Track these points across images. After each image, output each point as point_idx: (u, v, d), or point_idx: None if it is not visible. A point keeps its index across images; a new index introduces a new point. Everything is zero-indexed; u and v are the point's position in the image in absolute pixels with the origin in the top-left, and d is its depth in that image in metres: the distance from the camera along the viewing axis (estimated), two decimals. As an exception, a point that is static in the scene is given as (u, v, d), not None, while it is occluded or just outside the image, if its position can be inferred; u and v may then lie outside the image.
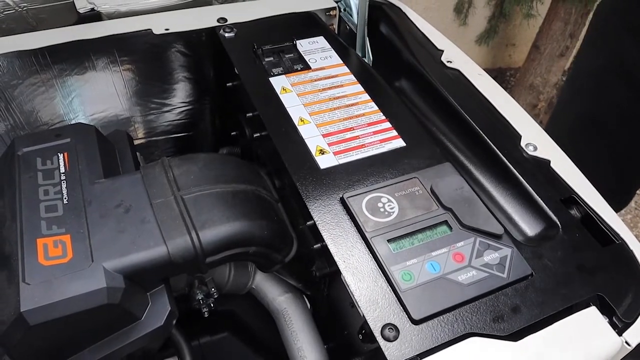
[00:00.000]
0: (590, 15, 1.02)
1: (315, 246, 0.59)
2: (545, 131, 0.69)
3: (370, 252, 0.54)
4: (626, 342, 0.51)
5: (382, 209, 0.58)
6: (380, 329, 0.49)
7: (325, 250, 0.55)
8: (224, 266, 0.71)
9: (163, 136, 0.95)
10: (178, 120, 0.94)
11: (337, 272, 0.53)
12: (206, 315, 0.71)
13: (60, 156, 0.61)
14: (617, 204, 0.95)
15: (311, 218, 0.57)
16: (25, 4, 0.77)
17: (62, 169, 0.60)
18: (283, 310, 0.72)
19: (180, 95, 0.91)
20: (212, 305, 0.70)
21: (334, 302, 0.62)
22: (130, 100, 0.87)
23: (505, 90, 0.74)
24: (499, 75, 2.29)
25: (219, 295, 0.70)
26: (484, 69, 2.27)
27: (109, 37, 0.78)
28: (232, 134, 0.90)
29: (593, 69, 0.93)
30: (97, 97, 0.84)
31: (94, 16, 0.81)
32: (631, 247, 0.58)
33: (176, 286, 0.68)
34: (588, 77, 0.95)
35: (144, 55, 0.82)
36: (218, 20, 0.82)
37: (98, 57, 0.80)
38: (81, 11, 0.79)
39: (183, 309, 0.62)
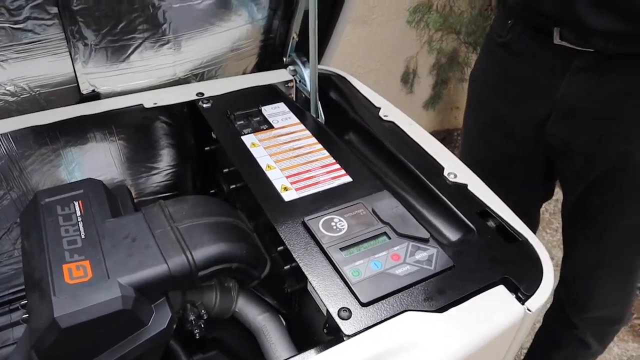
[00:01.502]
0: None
1: (285, 267, 0.74)
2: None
3: (327, 259, 0.70)
4: (527, 309, 0.66)
5: (334, 227, 0.74)
6: (337, 312, 0.64)
7: (294, 269, 0.70)
8: (211, 292, 0.85)
9: (151, 196, 1.10)
10: (164, 182, 1.10)
11: (305, 287, 0.68)
12: (197, 337, 0.83)
13: (76, 203, 0.76)
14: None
15: (282, 242, 0.72)
16: (39, 89, 0.94)
17: (79, 213, 0.75)
18: (262, 327, 0.85)
19: (166, 160, 1.07)
20: (202, 326, 0.83)
21: (304, 314, 0.76)
22: (123, 165, 1.03)
23: (455, 148, 0.93)
24: (448, 135, 2.52)
25: (208, 317, 0.83)
26: (433, 131, 2.52)
27: (107, 113, 0.96)
28: (211, 192, 1.07)
29: (477, 124, 1.15)
30: (95, 164, 1.00)
31: (94, 96, 0.98)
32: (531, 242, 0.75)
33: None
34: (476, 130, 1.16)
35: (136, 127, 0.99)
36: (197, 94, 1.00)
37: (97, 129, 0.97)
38: (84, 92, 0.97)
39: (178, 331, 0.75)
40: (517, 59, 1.01)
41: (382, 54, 2.22)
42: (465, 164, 1.22)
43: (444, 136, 2.60)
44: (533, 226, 1.27)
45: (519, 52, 1.00)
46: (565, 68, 0.91)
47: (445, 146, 0.91)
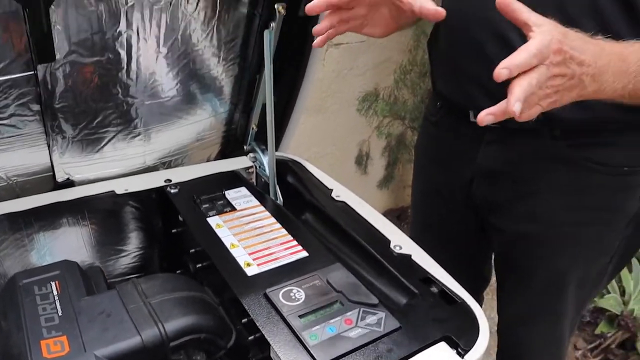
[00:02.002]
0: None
1: (250, 338, 0.81)
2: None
3: (288, 326, 0.77)
4: (466, 363, 0.75)
5: (293, 297, 0.82)
6: (297, 373, 0.71)
7: (258, 339, 0.77)
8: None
9: (120, 277, 1.15)
10: (132, 263, 1.16)
11: (269, 355, 0.75)
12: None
13: (53, 284, 0.82)
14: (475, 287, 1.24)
15: (246, 313, 0.80)
16: (16, 178, 1.01)
17: (55, 292, 0.81)
18: (229, 398, 0.90)
19: (134, 243, 1.14)
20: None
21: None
22: (94, 248, 1.09)
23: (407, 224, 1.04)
24: (402, 213, 2.66)
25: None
26: (388, 209, 2.63)
27: (80, 199, 1.03)
28: (177, 272, 1.14)
29: (420, 190, 1.29)
30: (67, 247, 1.06)
31: (69, 184, 1.06)
32: (469, 304, 0.84)
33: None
34: (419, 195, 1.30)
35: (107, 212, 1.07)
36: (165, 181, 1.09)
37: (70, 215, 1.04)
38: (59, 180, 1.04)
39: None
40: (445, 134, 1.16)
41: (336, 138, 2.38)
42: (414, 224, 1.33)
43: (398, 213, 2.73)
44: (484, 280, 1.37)
45: (446, 128, 1.16)
46: (481, 140, 1.06)
47: (400, 222, 1.02)
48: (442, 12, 0.81)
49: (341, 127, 2.34)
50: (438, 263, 0.93)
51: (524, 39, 0.71)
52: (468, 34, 0.98)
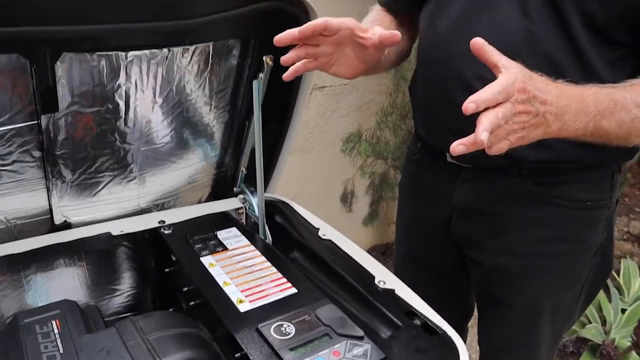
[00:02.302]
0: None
1: (242, 371, 0.85)
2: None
3: (280, 359, 0.82)
4: (448, 391, 0.80)
5: (284, 331, 0.87)
6: (289, 403, 0.75)
7: None
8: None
9: (114, 316, 1.19)
10: (126, 302, 1.19)
11: None
12: None
13: (54, 322, 0.86)
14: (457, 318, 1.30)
15: (240, 347, 0.84)
16: (15, 220, 1.06)
17: (56, 331, 0.85)
18: None
19: (128, 282, 1.18)
20: None
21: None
22: (89, 288, 1.13)
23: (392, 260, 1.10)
24: (387, 249, 2.72)
25: None
26: (374, 246, 2.69)
27: (77, 241, 1.08)
28: (170, 310, 1.18)
29: (403, 223, 1.36)
30: (63, 287, 1.10)
31: (66, 226, 1.10)
32: (449, 334, 0.90)
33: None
34: (402, 228, 1.37)
35: (102, 252, 1.11)
36: (159, 222, 1.14)
37: (67, 256, 1.08)
38: (57, 223, 1.09)
39: None
40: (425, 172, 1.24)
41: (322, 178, 2.45)
42: (399, 258, 1.39)
43: (384, 249, 2.79)
44: (469, 311, 1.42)
45: (426, 167, 1.23)
46: (457, 178, 1.14)
47: (386, 258, 1.08)
48: (397, 34, 0.89)
49: (326, 167, 2.42)
50: (422, 295, 0.98)
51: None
52: (439, 82, 1.07)
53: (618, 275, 2.43)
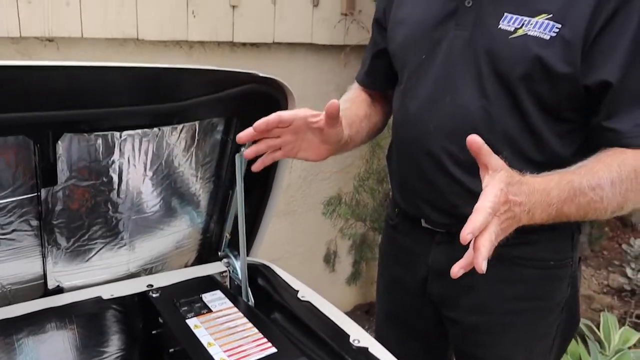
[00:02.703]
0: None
1: None
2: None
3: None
4: None
5: (263, 389, 0.93)
6: None
7: None
8: None
9: (100, 378, 1.24)
10: (114, 364, 1.25)
11: None
12: None
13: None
14: None
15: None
16: (10, 285, 1.12)
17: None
18: None
19: (116, 344, 1.23)
20: None
21: None
22: (79, 350, 1.18)
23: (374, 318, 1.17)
24: (371, 307, 2.76)
25: None
26: (357, 305, 2.75)
27: (69, 305, 1.14)
28: (155, 370, 1.23)
29: (384, 284, 1.44)
30: (53, 350, 1.14)
31: (59, 290, 1.17)
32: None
33: None
34: (383, 288, 1.44)
35: (92, 315, 1.17)
36: (147, 286, 1.21)
37: (58, 319, 1.14)
38: (50, 287, 1.16)
39: None
40: (402, 236, 1.32)
41: (305, 239, 2.53)
42: (379, 317, 1.46)
43: (367, 308, 2.83)
44: None
45: (403, 231, 1.31)
46: (432, 242, 1.22)
47: (369, 316, 1.15)
48: (334, 103, 0.99)
49: (309, 229, 2.50)
50: (403, 353, 1.05)
51: (453, 162, 0.91)
52: (412, 157, 1.18)
53: (598, 328, 2.49)
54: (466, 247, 1.19)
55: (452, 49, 1.08)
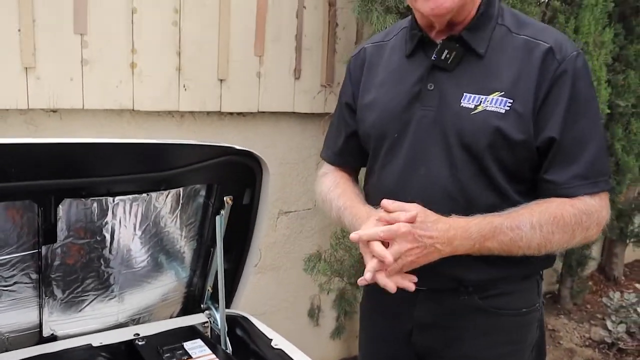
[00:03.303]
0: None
1: None
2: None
3: None
4: None
5: None
6: None
7: None
8: None
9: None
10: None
11: None
12: None
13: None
14: None
15: None
16: (8, 333, 1.25)
17: None
18: None
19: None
20: None
21: None
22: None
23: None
24: (355, 364, 2.84)
25: None
26: (341, 359, 2.84)
27: (61, 351, 1.26)
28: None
29: (367, 337, 1.51)
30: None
31: (52, 338, 1.29)
32: None
33: None
34: (365, 341, 1.52)
35: (83, 363, 1.29)
36: (134, 335, 1.34)
37: (52, 366, 1.26)
38: (45, 335, 1.28)
39: None
40: (384, 295, 1.33)
41: (290, 294, 2.65)
42: None
43: (352, 364, 2.92)
44: None
45: (386, 291, 1.31)
46: (415, 299, 1.30)
47: None
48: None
49: (293, 284, 2.62)
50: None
51: None
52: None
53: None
54: (448, 303, 1.31)
55: (420, 127, 1.22)
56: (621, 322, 3.55)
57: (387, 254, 1.03)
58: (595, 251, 4.48)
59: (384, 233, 1.05)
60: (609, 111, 3.15)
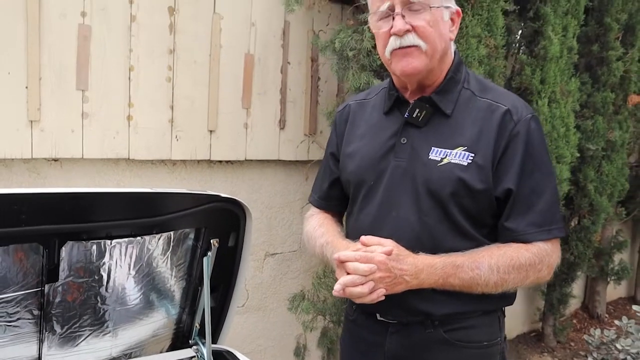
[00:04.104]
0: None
1: None
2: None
3: None
4: None
5: None
6: None
7: None
8: None
9: None
10: None
11: None
12: None
13: None
14: None
15: None
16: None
17: None
18: None
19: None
20: None
21: None
22: None
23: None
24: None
25: None
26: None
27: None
28: None
29: None
30: None
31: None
32: None
33: None
34: None
35: (79, 393, 1.40)
36: (126, 368, 1.45)
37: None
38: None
39: None
40: (360, 329, 1.52)
41: (276, 333, 2.75)
42: None
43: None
44: None
45: (361, 324, 1.51)
46: (386, 332, 1.42)
47: None
48: None
49: (279, 323, 2.73)
50: None
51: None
52: None
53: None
54: (415, 336, 1.43)
55: (393, 176, 1.37)
56: (603, 358, 3.64)
57: (361, 266, 1.19)
58: (578, 289, 4.60)
59: (361, 256, 1.20)
60: (578, 154, 3.35)
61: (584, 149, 3.52)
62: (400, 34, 1.27)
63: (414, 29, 1.27)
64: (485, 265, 1.27)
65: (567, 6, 2.96)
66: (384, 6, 1.28)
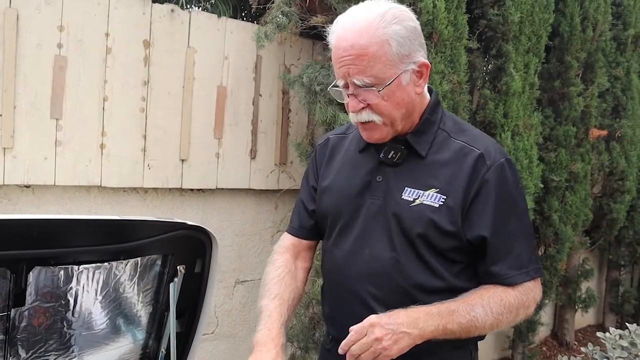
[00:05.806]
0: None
1: None
2: None
3: None
4: None
5: None
6: None
7: None
8: None
9: None
10: None
11: None
12: None
13: None
14: None
15: None
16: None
17: None
18: None
19: None
20: None
21: None
22: None
23: None
24: None
25: None
26: None
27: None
28: None
29: None
30: None
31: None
32: None
33: None
34: None
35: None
36: (90, 392, 1.47)
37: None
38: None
39: None
40: (335, 358, 1.44)
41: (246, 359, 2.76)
42: None
43: None
44: None
45: (336, 354, 1.41)
46: None
47: None
48: None
49: (249, 350, 2.72)
50: None
51: (372, 298, 1.31)
52: (338, 294, 1.45)
53: None
54: None
55: (368, 213, 1.39)
56: (569, 386, 3.71)
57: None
58: (547, 317, 4.68)
59: (356, 332, 1.21)
60: (542, 185, 3.47)
61: (548, 180, 3.65)
62: (355, 112, 1.31)
63: (368, 106, 1.29)
64: (479, 307, 1.30)
65: (529, 45, 3.12)
66: (340, 83, 1.31)
